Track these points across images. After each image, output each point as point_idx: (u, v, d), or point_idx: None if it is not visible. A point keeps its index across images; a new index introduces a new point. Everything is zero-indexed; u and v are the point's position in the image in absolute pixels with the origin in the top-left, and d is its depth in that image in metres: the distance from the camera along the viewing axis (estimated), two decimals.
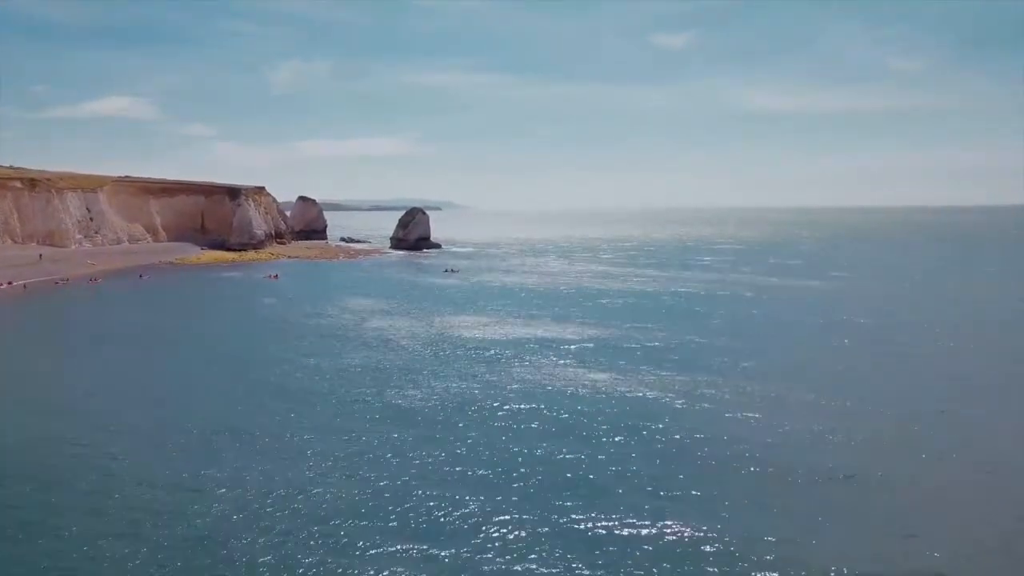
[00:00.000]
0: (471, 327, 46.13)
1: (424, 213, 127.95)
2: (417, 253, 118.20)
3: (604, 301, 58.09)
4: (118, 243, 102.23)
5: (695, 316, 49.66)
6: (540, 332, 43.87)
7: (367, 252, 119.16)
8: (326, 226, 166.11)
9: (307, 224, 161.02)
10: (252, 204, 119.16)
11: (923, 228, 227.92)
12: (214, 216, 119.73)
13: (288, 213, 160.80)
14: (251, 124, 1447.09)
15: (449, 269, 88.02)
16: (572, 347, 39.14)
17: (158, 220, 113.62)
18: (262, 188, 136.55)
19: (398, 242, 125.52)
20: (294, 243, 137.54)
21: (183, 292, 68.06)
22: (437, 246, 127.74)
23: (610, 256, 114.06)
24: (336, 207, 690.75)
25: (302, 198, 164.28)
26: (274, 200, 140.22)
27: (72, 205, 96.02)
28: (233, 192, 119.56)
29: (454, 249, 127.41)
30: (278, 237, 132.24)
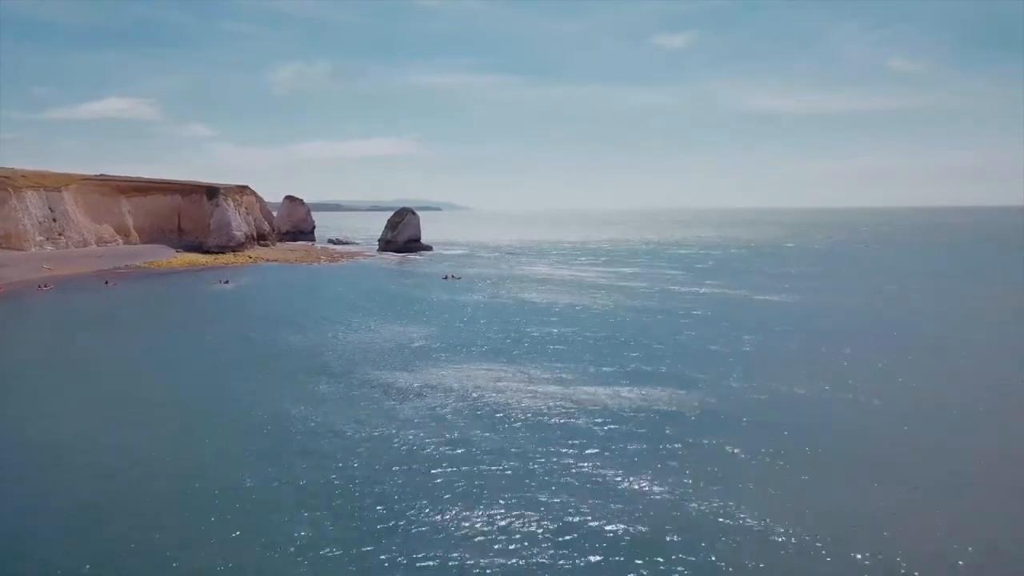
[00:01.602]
0: (473, 387, 31.10)
1: (414, 214, 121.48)
2: (407, 256, 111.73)
3: (612, 322, 48.15)
4: (84, 245, 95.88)
5: (715, 358, 36.62)
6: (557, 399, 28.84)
7: (352, 254, 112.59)
8: (314, 227, 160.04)
9: (294, 225, 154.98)
10: (231, 204, 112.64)
11: (933, 229, 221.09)
12: (191, 216, 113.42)
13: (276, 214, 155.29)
14: (252, 125, 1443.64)
15: (449, 276, 78.21)
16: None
17: (130, 221, 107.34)
18: (245, 187, 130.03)
19: (386, 244, 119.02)
20: (278, 245, 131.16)
21: (102, 305, 57.66)
22: (428, 248, 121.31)
23: (611, 262, 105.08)
24: (336, 207, 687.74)
25: (289, 198, 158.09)
26: (257, 200, 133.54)
27: (32, 205, 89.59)
28: (211, 191, 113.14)
29: (446, 252, 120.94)
30: (261, 239, 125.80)
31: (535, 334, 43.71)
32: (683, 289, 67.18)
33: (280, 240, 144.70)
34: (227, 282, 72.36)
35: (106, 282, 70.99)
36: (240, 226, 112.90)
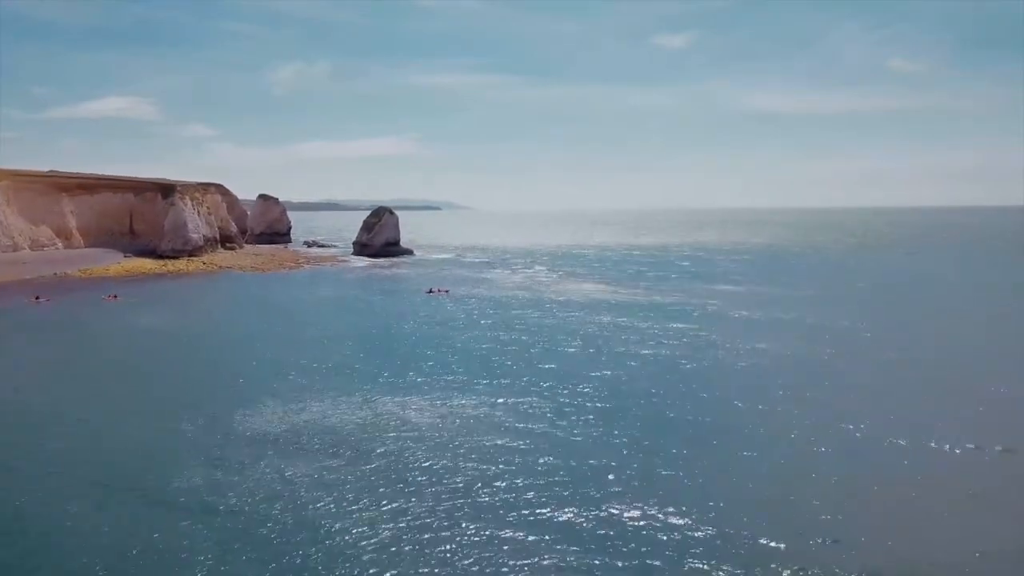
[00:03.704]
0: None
1: (392, 213, 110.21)
2: (384, 261, 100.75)
3: (655, 390, 32.49)
4: (15, 250, 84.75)
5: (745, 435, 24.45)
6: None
7: (321, 259, 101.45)
8: (290, 228, 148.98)
9: (268, 225, 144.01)
10: (189, 203, 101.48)
11: (945, 231, 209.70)
12: (145, 217, 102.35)
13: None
14: (252, 125, 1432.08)
15: (434, 290, 65.18)
16: None
17: (73, 222, 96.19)
18: (209, 185, 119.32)
19: (362, 247, 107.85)
20: (247, 248, 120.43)
21: None
22: (408, 252, 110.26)
23: (619, 277, 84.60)
24: (335, 207, 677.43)
25: (263, 196, 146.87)
26: (225, 199, 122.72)
27: None
28: (167, 189, 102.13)
29: (430, 257, 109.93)
30: (227, 241, 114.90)
31: (582, 431, 25.34)
32: (713, 332, 43.64)
33: (255, 242, 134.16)
34: (115, 296, 60.50)
35: (36, 297, 59.61)
36: (198, 228, 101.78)
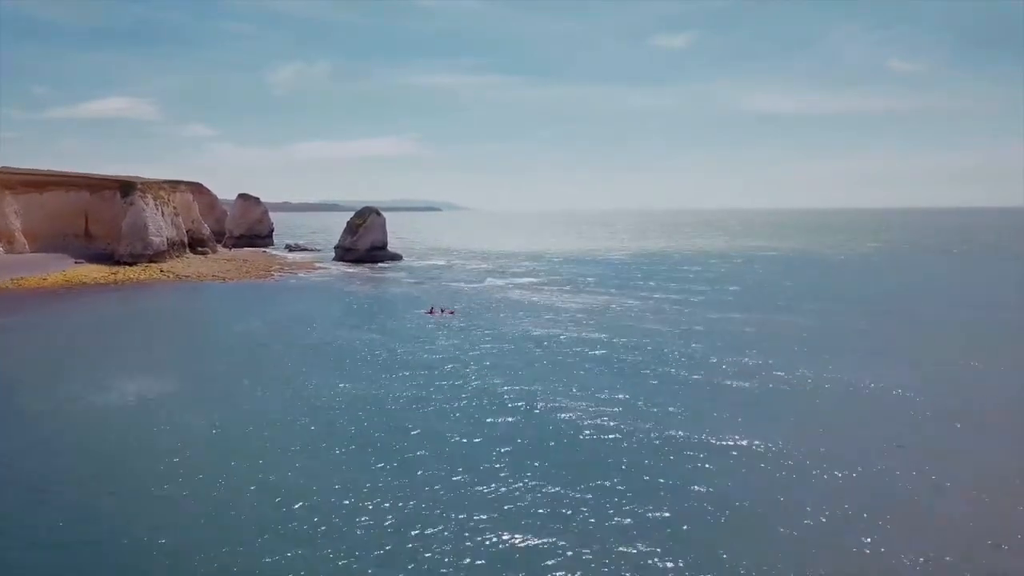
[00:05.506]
0: None
1: (379, 214, 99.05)
2: (369, 268, 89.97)
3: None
4: None
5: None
6: None
7: (298, 266, 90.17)
8: (272, 230, 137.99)
9: (249, 227, 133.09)
10: (151, 202, 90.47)
11: (961, 232, 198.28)
12: (101, 218, 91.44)
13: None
14: (251, 125, 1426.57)
15: (436, 310, 52.63)
16: None
17: (17, 223, 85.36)
18: (180, 183, 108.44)
19: (344, 252, 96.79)
20: (221, 252, 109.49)
21: None
22: (397, 257, 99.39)
23: (639, 290, 73.14)
24: (334, 207, 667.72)
25: (242, 196, 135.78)
26: (197, 198, 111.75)
27: None
28: (126, 187, 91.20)
29: (420, 263, 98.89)
30: (198, 244, 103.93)
31: None
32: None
33: (234, 245, 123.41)
34: None
35: None
36: (161, 230, 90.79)
